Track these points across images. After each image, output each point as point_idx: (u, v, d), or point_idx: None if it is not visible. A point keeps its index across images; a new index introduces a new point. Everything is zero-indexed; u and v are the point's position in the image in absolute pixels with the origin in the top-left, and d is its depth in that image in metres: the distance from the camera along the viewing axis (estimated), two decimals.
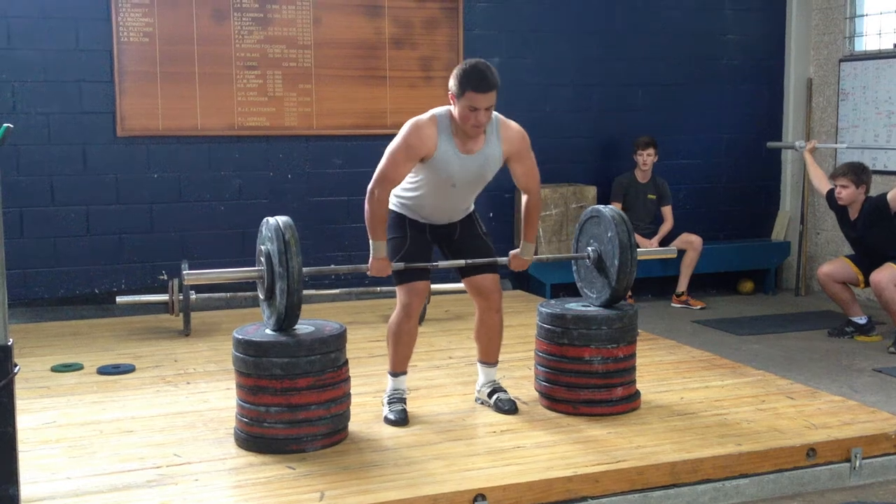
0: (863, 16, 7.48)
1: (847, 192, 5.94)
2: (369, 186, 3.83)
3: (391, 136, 3.91)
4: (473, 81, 3.63)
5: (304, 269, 3.68)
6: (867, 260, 6.01)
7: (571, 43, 7.38)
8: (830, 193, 6.15)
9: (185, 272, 4.05)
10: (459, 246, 4.06)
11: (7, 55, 6.12)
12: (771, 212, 8.10)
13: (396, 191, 3.98)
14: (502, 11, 7.19)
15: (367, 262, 3.91)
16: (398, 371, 4.11)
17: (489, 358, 4.21)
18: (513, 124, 3.94)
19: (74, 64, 6.25)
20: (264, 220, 3.77)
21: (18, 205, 6.22)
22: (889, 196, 5.88)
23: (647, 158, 7.17)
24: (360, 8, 6.80)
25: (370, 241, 3.87)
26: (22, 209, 6.25)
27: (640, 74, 7.57)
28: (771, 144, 7.40)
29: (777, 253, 7.92)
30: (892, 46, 7.17)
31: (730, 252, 7.67)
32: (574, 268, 4.41)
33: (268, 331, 3.75)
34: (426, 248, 4.03)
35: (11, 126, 3.16)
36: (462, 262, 4.01)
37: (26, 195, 6.24)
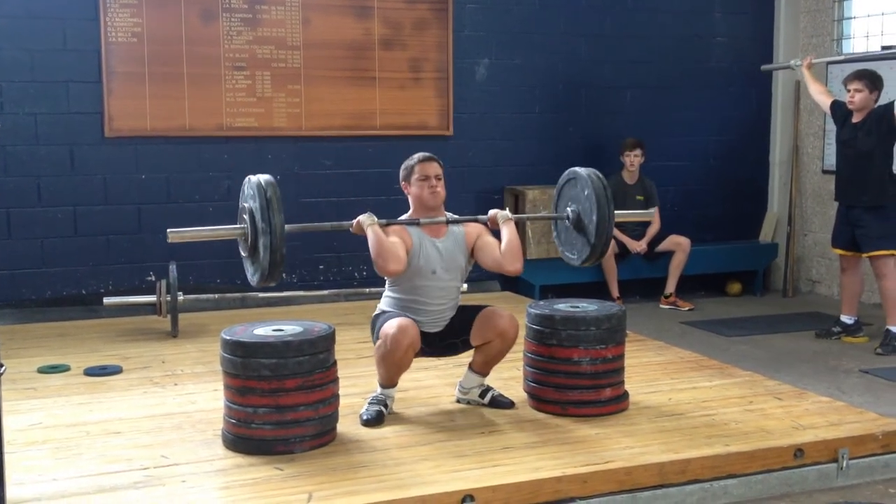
0: (850, 18, 7.51)
1: (860, 97, 5.84)
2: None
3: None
4: (418, 158, 4.08)
5: (287, 226, 3.66)
6: (847, 173, 5.96)
7: (560, 45, 7.39)
8: (835, 105, 6.09)
9: (169, 230, 3.91)
10: (447, 333, 4.10)
11: None
12: (759, 213, 8.12)
13: (383, 305, 4.13)
14: (492, 13, 7.19)
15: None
16: (388, 385, 4.10)
17: (484, 370, 4.21)
18: None
19: (62, 64, 6.23)
20: (246, 178, 3.78)
21: (5, 205, 6.20)
22: None
23: (634, 160, 7.18)
24: (350, 9, 6.80)
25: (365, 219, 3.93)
26: (9, 210, 6.22)
27: (628, 76, 7.58)
28: (765, 67, 7.40)
29: (765, 254, 7.95)
30: (879, 49, 7.20)
31: (718, 253, 7.70)
32: (554, 233, 4.40)
33: (256, 331, 3.74)
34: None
35: None
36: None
37: (13, 196, 6.21)
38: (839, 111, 6.05)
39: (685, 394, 4.44)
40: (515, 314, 4.12)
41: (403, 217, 4.12)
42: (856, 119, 5.92)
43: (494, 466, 3.48)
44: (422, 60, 6.98)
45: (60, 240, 6.34)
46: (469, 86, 7.13)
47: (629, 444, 3.71)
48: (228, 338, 3.68)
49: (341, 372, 3.89)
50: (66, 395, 4.45)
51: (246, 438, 3.63)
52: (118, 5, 6.26)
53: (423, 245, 4.02)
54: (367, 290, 6.21)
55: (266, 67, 6.63)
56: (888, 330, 5.81)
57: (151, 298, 5.73)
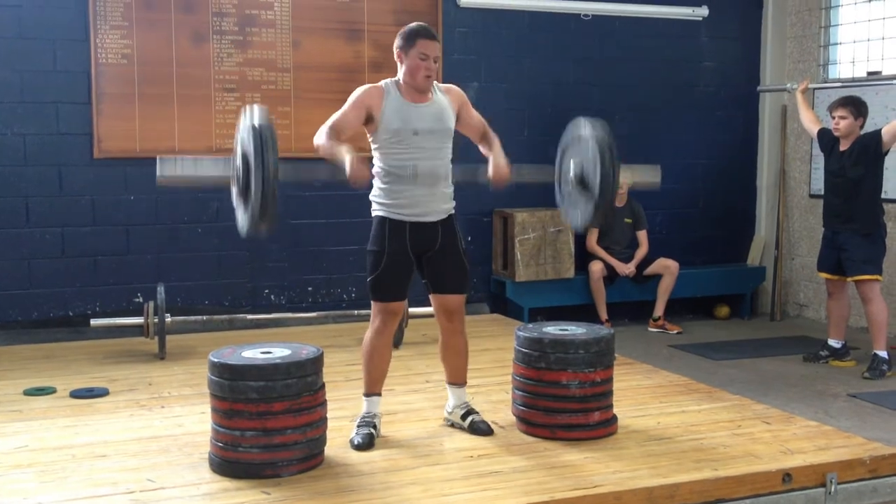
0: (836, 44, 7.58)
1: (845, 123, 5.88)
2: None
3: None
4: (423, 31, 3.85)
5: (281, 167, 3.64)
6: (836, 202, 5.99)
7: (549, 69, 7.43)
8: (822, 132, 6.14)
9: (159, 159, 3.83)
10: (438, 258, 4.04)
11: None
12: (746, 237, 8.16)
13: (377, 197, 4.05)
14: (481, 37, 7.24)
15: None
16: (372, 392, 4.10)
17: (458, 379, 4.21)
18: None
19: (52, 85, 6.23)
20: (243, 108, 3.69)
21: None
22: (884, 130, 5.83)
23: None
24: (340, 31, 6.83)
25: (342, 160, 3.80)
26: None
27: (617, 100, 7.63)
28: (761, 88, 7.43)
29: (752, 278, 7.98)
30: (865, 74, 7.27)
31: (706, 277, 7.72)
32: (558, 194, 4.20)
33: (244, 354, 3.72)
34: (406, 266, 4.01)
35: None
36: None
37: (1, 216, 6.19)
38: (826, 139, 6.09)
39: (674, 418, 4.43)
40: (504, 337, 4.14)
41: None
42: (843, 147, 5.95)
43: (483, 490, 3.47)
44: None
45: (48, 261, 6.32)
46: None
47: (618, 469, 3.70)
48: (216, 360, 3.66)
49: (329, 395, 3.87)
50: (52, 418, 4.42)
51: (233, 462, 3.60)
52: (108, 27, 6.28)
53: (402, 109, 3.88)
54: (356, 312, 6.20)
55: (256, 89, 6.64)
56: (875, 354, 5.83)
57: (139, 320, 5.70)
